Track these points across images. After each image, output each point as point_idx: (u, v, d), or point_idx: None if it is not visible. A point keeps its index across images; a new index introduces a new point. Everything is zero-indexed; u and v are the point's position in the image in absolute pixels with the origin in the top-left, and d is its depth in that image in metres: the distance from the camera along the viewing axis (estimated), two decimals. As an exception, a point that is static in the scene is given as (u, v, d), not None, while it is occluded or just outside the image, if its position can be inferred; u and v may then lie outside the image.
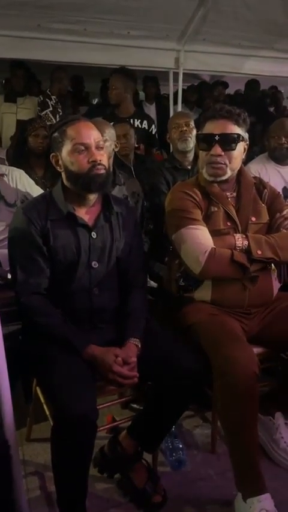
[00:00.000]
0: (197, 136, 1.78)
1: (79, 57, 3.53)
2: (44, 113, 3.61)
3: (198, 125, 1.79)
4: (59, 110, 3.68)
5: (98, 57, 3.57)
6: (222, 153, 1.69)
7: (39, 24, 3.21)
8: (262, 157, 2.85)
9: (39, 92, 4.15)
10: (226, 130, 1.70)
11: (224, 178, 1.74)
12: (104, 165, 1.53)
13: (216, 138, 1.68)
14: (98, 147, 1.53)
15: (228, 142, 1.70)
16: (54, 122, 3.49)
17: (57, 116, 3.55)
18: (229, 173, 1.74)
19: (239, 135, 1.71)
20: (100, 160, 1.52)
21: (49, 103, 3.65)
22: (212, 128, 1.71)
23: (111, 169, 2.11)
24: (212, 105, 3.38)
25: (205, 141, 1.73)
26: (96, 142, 1.53)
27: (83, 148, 1.51)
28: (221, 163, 1.71)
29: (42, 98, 3.68)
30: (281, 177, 2.79)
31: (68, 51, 3.43)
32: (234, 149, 1.71)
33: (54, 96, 3.70)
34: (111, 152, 2.16)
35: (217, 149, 1.69)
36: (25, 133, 2.80)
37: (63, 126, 1.54)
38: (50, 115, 3.59)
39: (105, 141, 1.81)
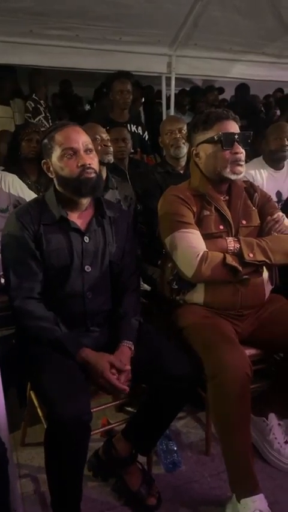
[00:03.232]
0: (220, 135, 1.69)
1: (71, 63, 3.55)
2: (37, 119, 3.55)
3: (197, 127, 1.78)
4: (48, 115, 3.65)
5: (91, 62, 3.60)
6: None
7: (32, 30, 3.23)
8: (256, 162, 2.84)
9: (26, 96, 3.99)
10: (238, 130, 1.72)
11: (243, 175, 1.77)
12: (94, 169, 1.54)
13: (236, 137, 1.70)
14: (87, 151, 1.54)
15: (245, 140, 1.72)
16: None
17: (49, 121, 3.52)
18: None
19: (250, 133, 1.74)
20: (90, 164, 1.52)
21: (41, 109, 3.60)
22: (226, 127, 1.71)
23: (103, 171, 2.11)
24: (206, 109, 3.39)
25: (228, 140, 1.70)
26: (85, 145, 1.54)
27: (71, 153, 1.52)
28: (243, 161, 1.73)
29: (33, 105, 3.61)
30: (275, 181, 2.80)
31: (60, 56, 3.45)
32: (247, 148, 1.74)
33: (42, 101, 3.66)
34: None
35: (239, 147, 1.71)
36: (18, 138, 2.79)
37: (52, 132, 1.55)
38: (44, 121, 3.54)
39: (96, 139, 1.78)
